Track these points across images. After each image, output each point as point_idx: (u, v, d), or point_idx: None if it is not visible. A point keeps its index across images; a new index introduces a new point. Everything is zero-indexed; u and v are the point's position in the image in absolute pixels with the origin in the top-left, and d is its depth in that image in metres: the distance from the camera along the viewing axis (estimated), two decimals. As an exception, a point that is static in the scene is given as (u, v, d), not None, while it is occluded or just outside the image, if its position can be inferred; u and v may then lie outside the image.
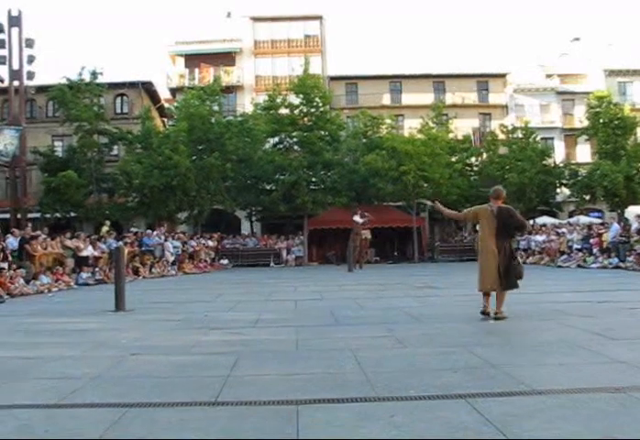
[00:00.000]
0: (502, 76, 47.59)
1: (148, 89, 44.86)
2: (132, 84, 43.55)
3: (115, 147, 38.37)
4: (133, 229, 30.43)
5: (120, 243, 20.09)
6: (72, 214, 35.43)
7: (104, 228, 27.00)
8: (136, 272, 23.50)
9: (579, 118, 42.74)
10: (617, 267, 23.15)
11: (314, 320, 9.59)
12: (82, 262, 21.27)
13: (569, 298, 12.19)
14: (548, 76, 48.80)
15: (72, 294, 17.06)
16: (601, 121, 37.56)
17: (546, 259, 28.46)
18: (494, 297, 9.39)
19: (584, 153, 44.35)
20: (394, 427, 3.96)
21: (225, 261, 32.83)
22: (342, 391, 4.84)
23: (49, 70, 49.30)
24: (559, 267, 26.00)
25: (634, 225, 24.59)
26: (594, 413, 4.14)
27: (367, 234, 29.05)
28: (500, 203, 9.61)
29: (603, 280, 17.76)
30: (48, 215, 34.70)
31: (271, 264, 33.45)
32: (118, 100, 44.18)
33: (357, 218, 28.24)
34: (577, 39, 52.40)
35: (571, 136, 44.75)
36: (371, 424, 4.02)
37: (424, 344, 7.14)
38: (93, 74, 35.73)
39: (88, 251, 22.00)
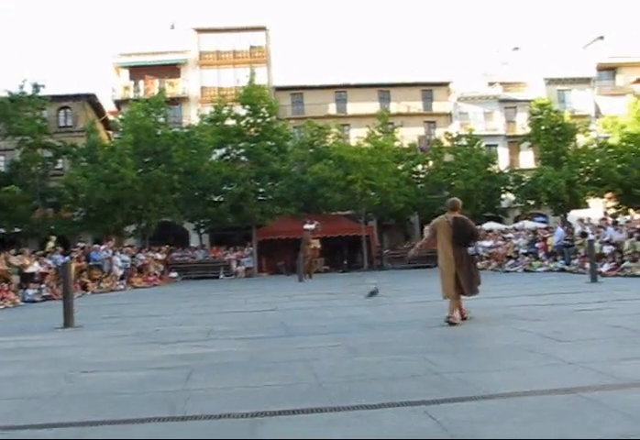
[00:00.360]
0: (446, 85, 48.27)
1: (92, 101, 44.33)
2: (76, 97, 42.99)
3: (60, 160, 37.80)
4: (80, 244, 29.96)
5: (67, 258, 19.77)
6: (17, 230, 34.76)
7: (50, 243, 26.53)
8: (84, 287, 23.13)
9: (522, 125, 43.55)
10: (562, 270, 23.64)
11: (267, 331, 9.55)
12: (27, 279, 20.85)
13: (518, 302, 12.38)
14: (491, 84, 49.64)
15: (19, 312, 16.71)
16: (543, 128, 38.33)
17: (494, 264, 28.85)
18: (464, 300, 9.79)
19: (527, 159, 45.20)
20: (351, 436, 3.98)
21: (174, 274, 32.53)
22: (298, 402, 4.84)
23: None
24: (507, 271, 26.38)
25: (578, 229, 25.14)
26: (547, 415, 4.22)
27: (316, 243, 29.11)
28: (456, 213, 10.02)
29: (550, 283, 18.09)
30: (-9, 231, 34.00)
31: (221, 276, 33.28)
32: (62, 113, 43.52)
33: (307, 226, 28.30)
34: (517, 49, 53.54)
35: (514, 142, 45.61)
36: (329, 434, 4.04)
37: (376, 352, 7.18)
38: (35, 87, 35.03)
39: (34, 267, 21.58)
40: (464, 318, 9.62)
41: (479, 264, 29.24)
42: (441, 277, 9.89)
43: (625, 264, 20.36)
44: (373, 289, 15.04)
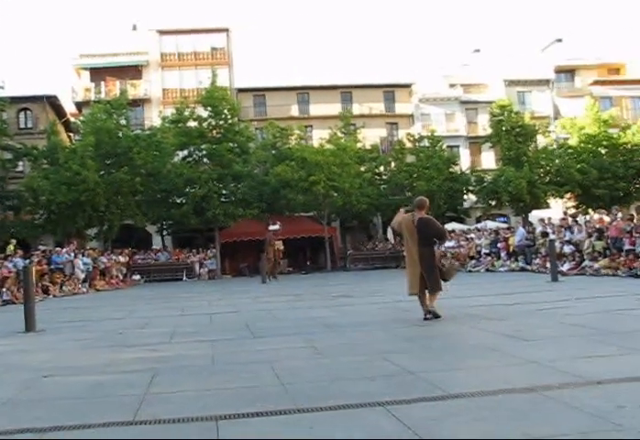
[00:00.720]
0: (408, 86, 48.52)
1: (52, 103, 43.75)
2: (36, 98, 42.42)
3: (20, 163, 37.30)
4: (41, 247, 29.57)
5: (27, 262, 19.49)
6: (-25, 233, 34.17)
7: (10, 247, 26.15)
8: (45, 291, 22.83)
9: (483, 126, 43.99)
10: (524, 269, 23.94)
11: (230, 333, 9.52)
12: (-13, 283, 20.55)
13: (480, 302, 12.49)
14: (452, 86, 50.03)
15: (-22, 316, 16.43)
16: (504, 129, 38.73)
17: (457, 265, 29.04)
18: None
19: (489, 160, 45.68)
20: (314, 437, 3.99)
21: (137, 277, 32.32)
22: (261, 405, 4.82)
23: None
24: (469, 271, 26.62)
25: (539, 229, 25.45)
26: (510, 414, 4.27)
27: (279, 244, 29.11)
28: (423, 212, 10.19)
29: (511, 282, 18.30)
30: (-52, 235, 33.34)
31: (184, 278, 33.11)
32: (22, 114, 42.91)
33: (272, 227, 28.33)
34: (477, 51, 54.03)
35: (476, 143, 46.04)
36: (292, 435, 4.04)
37: (341, 353, 7.19)
38: (-6, 88, 34.66)
39: (-7, 271, 21.27)
40: (429, 312, 9.72)
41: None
42: (407, 275, 10.06)
43: (585, 263, 20.69)
44: None
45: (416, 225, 9.93)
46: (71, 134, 43.86)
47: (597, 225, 22.48)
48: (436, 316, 9.62)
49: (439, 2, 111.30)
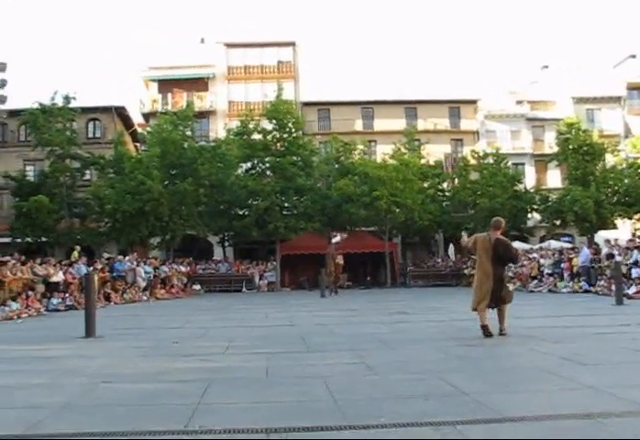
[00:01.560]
0: (474, 102, 48.09)
1: (120, 114, 44.73)
2: (105, 109, 43.39)
3: (88, 171, 38.29)
4: (105, 254, 30.16)
5: (90, 269, 19.88)
6: (43, 239, 35.05)
7: (75, 253, 26.72)
8: (107, 298, 23.27)
9: (549, 144, 43.27)
10: (587, 291, 23.41)
11: (286, 346, 9.53)
12: (52, 288, 21.00)
13: (540, 323, 12.26)
14: (518, 103, 49.42)
15: (42, 320, 16.84)
16: (571, 147, 37.99)
17: (518, 284, 28.60)
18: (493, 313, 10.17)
19: (554, 179, 44.86)
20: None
21: (197, 287, 32.65)
22: (313, 419, 4.80)
23: (22, 94, 49.05)
24: (531, 292, 26.20)
25: (605, 250, 24.86)
26: (563, 440, 4.16)
27: (339, 259, 29.09)
28: (499, 233, 10.38)
29: (574, 304, 17.93)
30: (18, 240, 34.28)
31: (244, 289, 33.33)
32: (91, 124, 43.96)
33: (335, 239, 28.33)
34: (546, 67, 53.23)
35: (541, 161, 45.25)
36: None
37: (394, 370, 7.12)
38: (66, 99, 35.53)
39: (59, 277, 21.73)
40: (486, 327, 9.91)
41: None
42: (475, 291, 10.25)
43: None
44: None
45: (493, 244, 10.09)
46: (138, 144, 44.75)
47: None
48: (502, 334, 9.91)
49: (508, 18, 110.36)
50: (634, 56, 50.07)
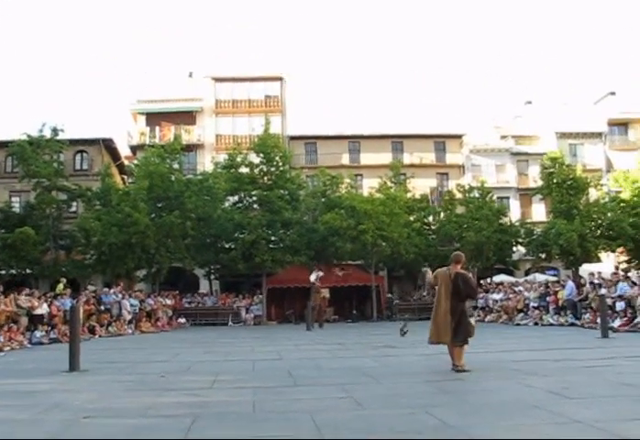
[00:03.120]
0: (459, 137, 48.56)
1: (108, 146, 44.78)
2: (93, 141, 43.47)
3: (74, 203, 38.19)
4: (90, 287, 29.97)
5: (75, 301, 19.74)
6: (28, 271, 34.82)
7: (60, 286, 26.56)
8: (92, 331, 23.08)
9: (534, 178, 43.66)
10: (573, 324, 23.44)
11: (272, 381, 9.49)
12: (36, 320, 20.82)
13: (526, 356, 12.26)
14: (503, 137, 49.98)
15: (26, 354, 16.66)
16: (555, 181, 38.35)
17: (504, 317, 28.66)
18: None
19: (539, 212, 45.23)
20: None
21: (182, 320, 32.43)
22: (299, 455, 4.79)
23: (10, 125, 49.09)
24: (517, 325, 26.20)
25: (589, 283, 24.97)
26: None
27: (325, 292, 29.00)
28: (459, 267, 10.42)
29: (560, 337, 17.94)
30: (3, 272, 34.04)
31: (230, 323, 33.12)
32: (78, 156, 43.94)
33: (312, 277, 28.25)
34: (529, 103, 53.97)
35: (526, 195, 45.67)
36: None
37: (382, 405, 7.11)
38: (54, 130, 35.62)
39: (43, 309, 21.57)
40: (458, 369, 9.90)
41: (488, 316, 29.50)
42: (432, 324, 10.41)
43: (638, 320, 20.17)
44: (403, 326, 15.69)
45: (453, 279, 10.18)
46: (125, 176, 44.76)
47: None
48: (463, 371, 9.80)
49: (492, 54, 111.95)
50: (613, 93, 50.95)
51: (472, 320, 10.51)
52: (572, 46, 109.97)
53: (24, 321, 20.53)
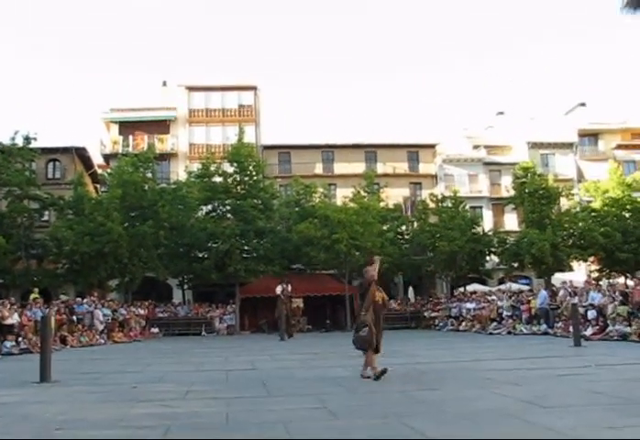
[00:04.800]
0: (432, 147, 48.86)
1: (81, 155, 44.48)
2: (65, 150, 43.15)
3: (46, 212, 37.80)
4: (62, 297, 29.67)
5: (47, 311, 19.51)
6: (-1, 280, 34.41)
7: (33, 295, 26.27)
8: (63, 341, 22.84)
9: (506, 188, 44.03)
10: (546, 333, 23.62)
11: (246, 391, 9.42)
12: (5, 330, 20.55)
13: (500, 365, 12.30)
14: (475, 147, 50.37)
15: (-5, 365, 16.41)
16: (527, 191, 38.64)
17: (478, 326, 28.78)
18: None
19: (511, 222, 45.54)
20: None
21: (155, 330, 32.21)
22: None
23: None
24: (490, 334, 26.32)
25: (562, 292, 25.17)
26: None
27: (298, 302, 28.93)
28: (370, 269, 10.83)
29: (533, 346, 18.04)
30: (-27, 281, 33.57)
31: (203, 333, 32.96)
32: (50, 165, 43.62)
33: (277, 289, 28.18)
34: (501, 113, 54.55)
35: (499, 205, 46.04)
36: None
37: (356, 415, 7.07)
38: (27, 139, 35.20)
39: (13, 319, 21.29)
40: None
41: (462, 325, 29.66)
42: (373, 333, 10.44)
43: (610, 328, 20.35)
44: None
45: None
46: (98, 185, 44.44)
47: (621, 289, 22.21)
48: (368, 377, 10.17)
49: (464, 64, 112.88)
50: (583, 104, 51.69)
51: (364, 331, 10.43)
52: (543, 57, 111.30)
53: (-6, 331, 20.28)
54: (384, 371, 10.00)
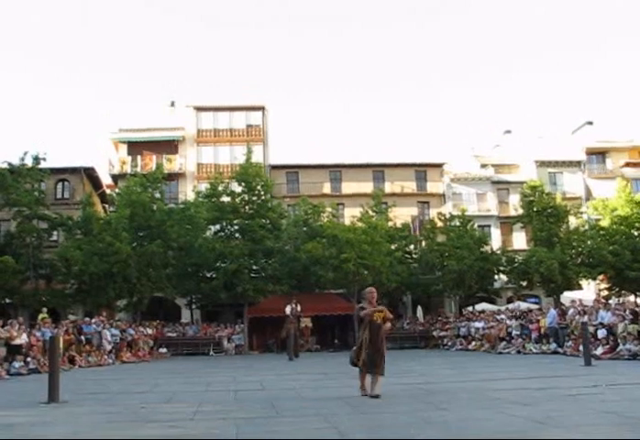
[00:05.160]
0: (440, 166, 48.85)
1: (90, 175, 44.71)
2: (74, 170, 43.36)
3: (55, 232, 37.92)
4: (71, 317, 29.69)
5: (56, 331, 19.52)
6: (7, 301, 34.42)
7: (41, 315, 26.31)
8: (71, 361, 22.83)
9: (514, 206, 43.93)
10: (555, 352, 23.47)
11: (254, 412, 9.39)
12: (14, 351, 20.55)
13: (509, 385, 12.23)
14: (483, 166, 50.36)
15: (3, 385, 16.39)
16: (535, 209, 38.62)
17: (487, 346, 28.63)
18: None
19: (520, 240, 45.43)
20: None
21: (164, 350, 32.18)
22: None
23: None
24: (500, 353, 26.17)
25: (571, 311, 25.02)
26: None
27: (307, 322, 28.89)
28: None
29: (543, 366, 17.94)
30: (-19, 301, 33.59)
31: (211, 352, 32.88)
32: (60, 185, 43.80)
33: (287, 310, 28.19)
34: (509, 132, 54.56)
35: (507, 223, 45.92)
36: None
37: (365, 435, 7.04)
38: (36, 159, 35.33)
39: (22, 339, 21.30)
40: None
41: (471, 345, 29.53)
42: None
43: (620, 347, 20.20)
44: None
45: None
46: (107, 205, 44.59)
47: (631, 308, 22.07)
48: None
49: (471, 84, 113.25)
50: (590, 122, 51.66)
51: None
52: (550, 76, 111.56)
53: (1, 351, 20.27)
54: (374, 396, 10.31)
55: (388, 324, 11.12)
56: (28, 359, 20.77)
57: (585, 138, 49.97)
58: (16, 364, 19.93)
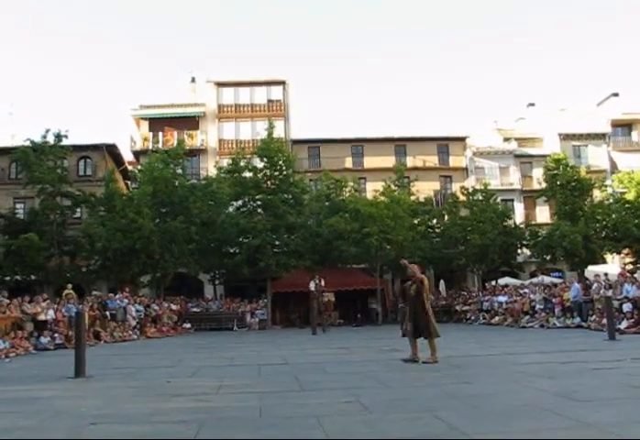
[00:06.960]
0: (462, 139, 48.43)
1: (111, 152, 44.79)
2: (96, 147, 43.42)
3: (78, 209, 38.10)
4: (95, 293, 29.95)
5: (81, 307, 19.69)
6: (33, 277, 34.75)
7: (66, 291, 26.54)
8: (97, 336, 23.06)
9: (538, 180, 43.51)
10: (579, 326, 23.35)
11: (278, 385, 9.44)
12: (41, 326, 20.79)
13: (533, 359, 12.20)
14: (506, 139, 49.91)
15: (31, 359, 16.63)
16: (559, 183, 38.17)
17: (510, 320, 28.54)
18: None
19: (543, 214, 45.07)
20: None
21: (188, 325, 32.37)
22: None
23: (14, 131, 49.13)
24: (523, 327, 26.09)
25: (595, 285, 24.85)
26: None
27: (330, 296, 28.93)
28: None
29: (566, 340, 17.86)
30: (7, 278, 33.95)
31: (235, 328, 33.03)
32: (82, 162, 43.93)
33: (311, 286, 28.28)
34: (532, 105, 53.94)
35: (530, 197, 45.54)
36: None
37: (389, 409, 7.05)
38: (58, 137, 35.47)
39: (48, 315, 21.54)
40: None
41: (494, 319, 29.46)
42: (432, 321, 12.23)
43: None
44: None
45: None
46: (129, 182, 44.74)
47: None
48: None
49: (494, 56, 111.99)
50: (616, 94, 50.92)
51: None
52: (574, 47, 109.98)
53: (29, 326, 20.53)
54: (411, 361, 11.73)
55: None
56: (55, 335, 21.02)
57: (610, 110, 49.29)
58: (43, 339, 20.16)
